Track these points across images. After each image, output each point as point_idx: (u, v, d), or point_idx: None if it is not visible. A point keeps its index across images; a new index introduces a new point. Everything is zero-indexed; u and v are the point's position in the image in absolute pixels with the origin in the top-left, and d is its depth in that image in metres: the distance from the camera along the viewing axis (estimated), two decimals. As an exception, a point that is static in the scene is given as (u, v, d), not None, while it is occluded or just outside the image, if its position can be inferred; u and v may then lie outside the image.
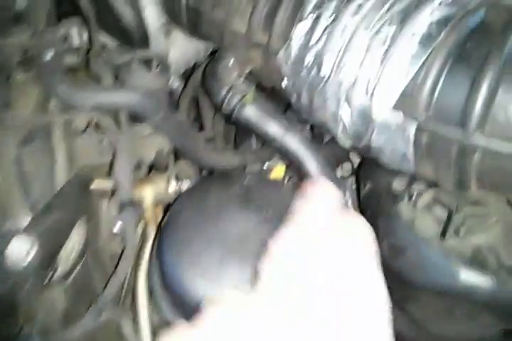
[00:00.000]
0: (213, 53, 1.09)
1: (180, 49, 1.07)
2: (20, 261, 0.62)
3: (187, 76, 1.16)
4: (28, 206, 0.69)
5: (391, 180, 0.86)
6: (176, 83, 1.12)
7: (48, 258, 0.65)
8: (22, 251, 0.62)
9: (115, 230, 0.75)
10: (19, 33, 0.78)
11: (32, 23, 0.80)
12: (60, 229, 0.67)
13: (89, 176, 0.75)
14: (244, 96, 0.83)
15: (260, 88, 0.90)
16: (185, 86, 1.14)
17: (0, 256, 0.62)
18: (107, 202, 0.77)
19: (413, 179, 0.80)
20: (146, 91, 0.74)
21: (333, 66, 0.70)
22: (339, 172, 1.15)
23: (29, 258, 0.62)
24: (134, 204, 0.74)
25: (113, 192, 0.76)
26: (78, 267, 0.70)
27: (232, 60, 0.85)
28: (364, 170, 0.95)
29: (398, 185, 0.85)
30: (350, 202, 1.18)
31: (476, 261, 0.74)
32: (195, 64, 1.14)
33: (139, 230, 0.80)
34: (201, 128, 1.20)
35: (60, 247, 0.67)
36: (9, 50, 0.78)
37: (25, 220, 0.69)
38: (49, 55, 0.73)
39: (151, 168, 0.96)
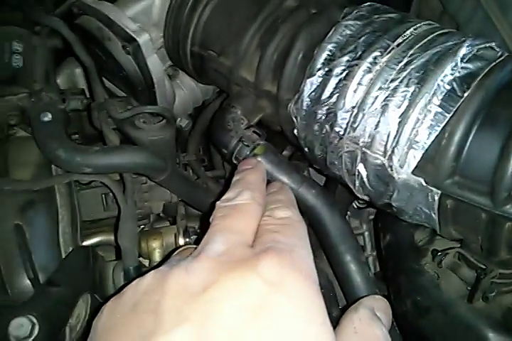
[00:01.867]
0: (223, 91, 1.06)
1: (188, 89, 1.04)
2: (22, 343, 0.59)
3: (196, 115, 1.13)
4: (31, 277, 0.66)
5: (413, 232, 0.81)
6: (184, 122, 1.09)
7: (51, 335, 0.62)
8: (24, 332, 0.59)
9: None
10: (16, 92, 0.75)
11: (29, 83, 0.77)
12: (63, 305, 0.63)
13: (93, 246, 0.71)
14: (254, 147, 0.78)
15: (268, 129, 0.86)
16: (193, 125, 1.11)
17: (2, 335, 0.59)
18: (112, 266, 0.73)
19: (436, 231, 0.75)
20: (150, 153, 0.70)
21: (347, 124, 0.66)
22: (355, 204, 1.12)
23: (31, 340, 0.59)
24: (140, 271, 0.70)
25: (118, 256, 0.72)
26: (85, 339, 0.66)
27: (241, 109, 0.80)
28: (383, 219, 0.90)
29: (420, 236, 0.81)
30: (367, 234, 1.15)
31: (507, 323, 0.70)
32: (203, 102, 1.11)
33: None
34: (212, 166, 1.17)
35: (64, 323, 0.64)
36: (6, 109, 0.74)
37: (27, 294, 0.65)
38: (47, 117, 0.69)
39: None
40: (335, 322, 0.44)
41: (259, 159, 0.77)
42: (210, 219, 0.47)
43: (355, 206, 1.12)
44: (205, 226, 0.47)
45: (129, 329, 0.38)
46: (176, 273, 0.40)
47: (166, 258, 0.52)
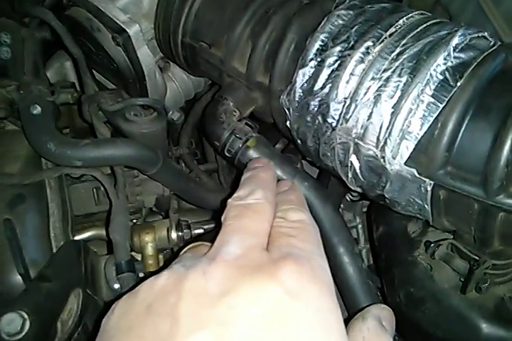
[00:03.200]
0: (214, 83, 1.05)
1: (180, 82, 1.03)
2: (13, 338, 0.58)
3: (188, 108, 1.12)
4: (21, 272, 0.65)
5: (406, 223, 0.81)
6: (176, 115, 1.08)
7: (42, 331, 0.61)
8: (14, 327, 0.59)
9: (115, 287, 0.72)
10: (4, 85, 0.74)
11: (17, 75, 0.76)
12: (54, 299, 0.63)
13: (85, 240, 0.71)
14: (247, 139, 0.78)
15: (261, 121, 0.85)
16: (186, 118, 1.10)
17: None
18: (104, 260, 0.73)
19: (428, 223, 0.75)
20: (141, 145, 0.69)
21: (340, 115, 0.65)
22: (348, 196, 1.12)
23: (22, 335, 0.58)
24: (132, 264, 0.70)
25: (110, 250, 0.72)
26: (76, 333, 0.66)
27: (233, 101, 0.80)
28: (376, 211, 0.90)
29: (413, 228, 0.81)
30: (360, 227, 1.15)
31: (500, 314, 0.70)
32: (195, 95, 1.10)
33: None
34: (204, 159, 1.16)
35: (56, 318, 0.63)
36: (-5, 102, 0.73)
37: (18, 288, 0.65)
38: (36, 109, 0.68)
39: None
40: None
41: (250, 152, 0.76)
42: (222, 218, 0.46)
43: (348, 199, 1.12)
44: (217, 225, 0.46)
45: (144, 332, 0.37)
46: (193, 276, 0.39)
47: (176, 255, 0.50)
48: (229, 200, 0.47)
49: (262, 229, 0.44)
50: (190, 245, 0.51)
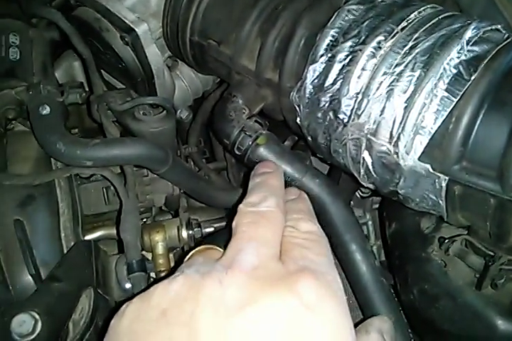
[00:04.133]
0: (223, 81, 1.04)
1: (188, 80, 1.03)
2: (25, 339, 0.58)
3: (197, 106, 1.12)
4: (32, 273, 0.65)
5: (419, 219, 0.80)
6: (184, 114, 1.08)
7: (54, 331, 0.61)
8: (26, 328, 0.58)
9: (126, 286, 0.72)
10: (13, 86, 0.74)
11: (26, 76, 0.75)
12: (65, 300, 0.62)
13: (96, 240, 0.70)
14: (257, 137, 0.77)
15: (270, 119, 0.85)
16: (194, 116, 1.10)
17: (4, 332, 0.58)
18: (115, 260, 0.72)
19: (442, 218, 0.74)
20: (150, 144, 0.69)
21: (352, 111, 0.64)
22: (359, 193, 1.11)
23: (34, 336, 0.58)
24: (143, 264, 0.69)
25: (121, 249, 0.71)
26: (88, 334, 0.66)
27: (242, 98, 0.79)
28: (388, 207, 0.89)
29: (426, 224, 0.80)
30: (370, 223, 1.14)
31: (516, 310, 0.69)
32: (204, 93, 1.10)
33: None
34: (213, 158, 1.16)
35: (67, 318, 0.63)
36: (3, 103, 0.73)
37: (29, 289, 0.64)
38: (46, 110, 0.68)
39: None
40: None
41: (260, 150, 0.75)
42: (234, 224, 0.45)
43: (358, 195, 1.11)
44: (228, 230, 0.45)
45: (159, 340, 0.37)
46: (210, 285, 0.38)
47: (182, 257, 0.50)
48: (240, 206, 0.47)
49: (276, 238, 0.44)
50: (198, 248, 0.50)
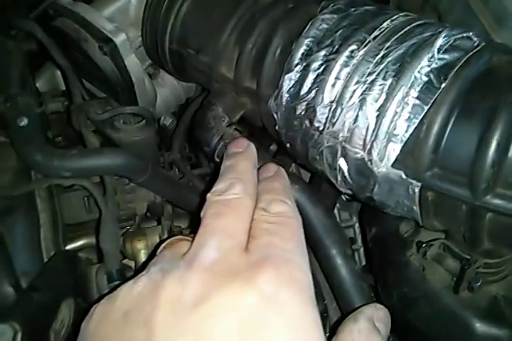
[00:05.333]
0: (205, 89, 1.05)
1: (171, 87, 1.03)
2: (4, 351, 0.58)
3: (179, 112, 1.12)
4: (12, 283, 0.65)
5: (398, 224, 0.81)
6: (168, 121, 1.08)
7: (34, 342, 0.61)
8: (6, 339, 0.58)
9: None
10: (-10, 96, 0.74)
11: (4, 87, 0.76)
12: (45, 310, 0.63)
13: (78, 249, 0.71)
14: (236, 145, 0.78)
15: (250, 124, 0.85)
16: (177, 123, 1.10)
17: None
18: (95, 269, 0.73)
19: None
20: (129, 154, 0.69)
21: (327, 119, 0.65)
22: (345, 196, 1.12)
23: (14, 347, 0.58)
24: (123, 273, 0.70)
25: (101, 258, 0.72)
26: (71, 343, 0.66)
27: (222, 106, 0.80)
28: (368, 212, 0.90)
29: (405, 228, 0.81)
30: (357, 226, 1.15)
31: (493, 312, 0.70)
32: (187, 99, 1.11)
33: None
34: (198, 164, 1.16)
35: (47, 328, 0.63)
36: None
37: (9, 300, 0.64)
38: (23, 121, 0.68)
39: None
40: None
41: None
42: (201, 214, 0.44)
43: (344, 198, 1.12)
44: (197, 221, 0.45)
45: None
46: (169, 284, 0.38)
47: (154, 251, 0.49)
48: (208, 195, 0.46)
49: (241, 227, 0.43)
50: (170, 240, 0.49)
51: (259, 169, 0.54)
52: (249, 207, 0.45)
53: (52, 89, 1.01)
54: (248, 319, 0.36)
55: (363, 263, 1.07)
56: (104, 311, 0.40)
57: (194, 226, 0.87)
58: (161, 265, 0.41)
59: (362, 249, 1.12)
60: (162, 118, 1.08)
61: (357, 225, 1.13)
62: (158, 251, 0.47)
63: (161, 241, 0.49)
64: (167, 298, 0.38)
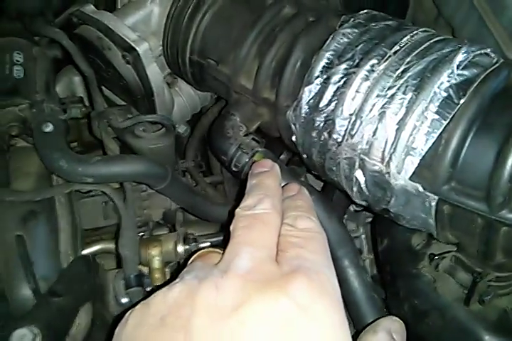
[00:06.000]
0: (220, 97, 1.07)
1: (187, 96, 1.05)
2: (24, 355, 0.59)
3: (194, 121, 1.14)
4: (32, 288, 0.66)
5: (410, 236, 0.82)
6: (182, 129, 1.10)
7: (53, 346, 0.62)
8: (26, 343, 0.59)
9: (122, 302, 0.73)
10: (17, 103, 0.75)
11: (30, 93, 0.77)
12: (64, 315, 0.64)
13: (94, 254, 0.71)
14: (253, 154, 0.79)
15: (267, 134, 0.87)
16: (192, 131, 1.12)
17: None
18: (113, 275, 0.74)
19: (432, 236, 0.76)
20: (150, 161, 0.71)
21: (346, 131, 0.66)
22: (352, 206, 1.12)
23: (33, 351, 0.59)
24: (140, 279, 0.71)
25: (119, 264, 0.73)
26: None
27: (240, 116, 0.81)
28: (380, 224, 0.91)
29: (417, 240, 0.81)
30: (363, 237, 1.15)
31: (503, 326, 0.71)
32: (201, 108, 1.12)
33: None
34: (210, 172, 1.18)
35: (66, 333, 0.64)
36: (7, 120, 0.75)
37: (29, 304, 0.65)
38: (49, 127, 0.70)
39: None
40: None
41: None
42: (231, 228, 0.46)
43: (351, 209, 1.12)
44: (226, 234, 0.47)
45: None
46: (206, 290, 0.40)
47: (185, 262, 0.51)
48: (237, 210, 0.48)
49: (271, 240, 0.45)
50: (200, 252, 0.51)
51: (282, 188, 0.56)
52: (278, 221, 0.47)
53: (70, 96, 1.03)
54: (282, 326, 0.37)
55: (370, 274, 1.07)
56: (140, 316, 0.41)
57: (208, 234, 0.89)
58: (194, 273, 0.43)
59: (368, 260, 1.12)
60: (177, 126, 1.10)
61: (363, 236, 1.13)
62: (189, 262, 0.48)
63: (192, 253, 0.50)
64: (204, 303, 0.39)
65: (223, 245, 0.45)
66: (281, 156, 1.09)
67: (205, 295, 0.39)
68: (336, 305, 0.40)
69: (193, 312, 0.38)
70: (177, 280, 0.43)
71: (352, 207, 1.12)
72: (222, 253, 0.44)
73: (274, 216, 0.47)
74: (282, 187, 0.56)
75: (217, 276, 0.41)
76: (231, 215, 0.47)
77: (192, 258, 0.50)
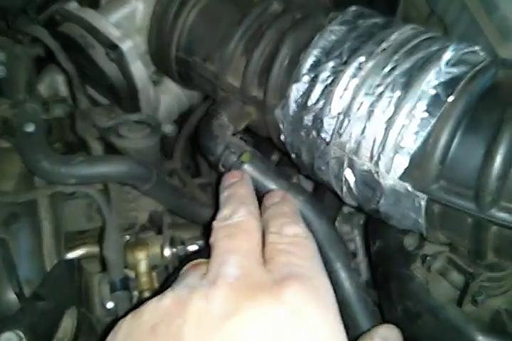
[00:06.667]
0: (208, 96, 1.05)
1: (174, 95, 1.03)
2: (9, 359, 0.58)
3: (181, 120, 1.12)
4: (16, 291, 0.64)
5: (402, 237, 0.81)
6: (170, 129, 1.08)
7: (38, 351, 0.61)
8: (11, 347, 0.58)
9: (108, 306, 0.71)
10: (-1, 102, 0.74)
11: (11, 93, 0.75)
12: (49, 318, 0.62)
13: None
14: (241, 154, 0.78)
15: (256, 134, 0.86)
16: (180, 131, 1.10)
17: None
18: (98, 278, 0.72)
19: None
20: (135, 162, 0.69)
21: (334, 130, 0.65)
22: (346, 208, 1.11)
23: (18, 354, 0.58)
24: (126, 282, 0.69)
25: (104, 267, 0.71)
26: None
27: (227, 115, 0.80)
28: (372, 225, 0.90)
29: (409, 241, 0.80)
30: (358, 239, 1.14)
31: (495, 326, 0.70)
32: (190, 107, 1.11)
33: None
34: (198, 173, 1.16)
35: (51, 336, 0.63)
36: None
37: (13, 307, 0.64)
38: (30, 127, 0.68)
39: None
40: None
41: (245, 167, 0.76)
42: (211, 241, 0.46)
43: (345, 211, 1.11)
44: (206, 246, 0.46)
45: None
46: (196, 300, 0.39)
47: (175, 272, 0.51)
48: (214, 222, 0.47)
49: (254, 246, 0.44)
50: (191, 263, 0.50)
51: (263, 196, 0.56)
52: (257, 227, 0.47)
53: (53, 95, 1.01)
54: (276, 333, 0.36)
55: (365, 277, 1.06)
56: (131, 325, 0.41)
57: (196, 237, 0.87)
58: (184, 283, 0.43)
59: (363, 263, 1.11)
60: (163, 126, 1.08)
61: (358, 238, 1.12)
62: (181, 273, 0.48)
63: (182, 265, 0.51)
64: (195, 313, 0.38)
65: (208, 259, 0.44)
66: (272, 157, 1.08)
67: (195, 304, 0.39)
68: (330, 310, 0.40)
69: (185, 321, 0.38)
70: (168, 289, 0.42)
71: (346, 209, 1.11)
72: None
73: (252, 222, 0.47)
74: (267, 193, 0.55)
75: (207, 286, 0.40)
76: (209, 229, 0.47)
77: (183, 269, 0.49)
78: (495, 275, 0.69)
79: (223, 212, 0.49)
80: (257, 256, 0.44)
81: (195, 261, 0.51)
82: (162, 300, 0.41)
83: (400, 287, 0.77)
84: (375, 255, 0.86)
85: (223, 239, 0.45)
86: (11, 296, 0.65)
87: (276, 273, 0.41)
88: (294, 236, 0.47)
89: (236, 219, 0.46)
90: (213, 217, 0.48)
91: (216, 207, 0.50)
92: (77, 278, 0.69)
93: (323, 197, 0.96)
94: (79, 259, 0.76)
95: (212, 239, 0.46)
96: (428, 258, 0.73)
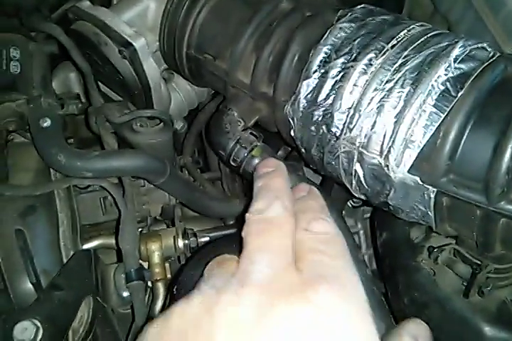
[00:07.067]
0: (217, 93, 1.07)
1: (184, 92, 1.05)
2: (26, 347, 0.60)
3: (191, 117, 1.14)
4: (33, 281, 0.66)
5: (409, 229, 0.83)
6: (180, 125, 1.10)
7: (55, 339, 0.63)
8: (28, 335, 0.60)
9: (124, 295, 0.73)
10: (14, 99, 0.75)
11: (27, 89, 0.77)
12: (66, 308, 0.64)
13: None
14: (252, 149, 0.79)
15: (264, 130, 0.87)
16: (189, 127, 1.12)
17: (6, 339, 0.60)
18: (114, 269, 0.74)
19: (431, 228, 0.76)
20: (149, 156, 0.71)
21: (344, 125, 0.67)
22: (350, 202, 1.13)
23: (35, 344, 0.60)
24: (141, 273, 0.71)
25: (119, 258, 0.73)
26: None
27: (238, 111, 0.81)
28: (379, 217, 0.91)
29: (416, 233, 0.82)
30: (362, 232, 1.16)
31: (502, 317, 0.72)
32: (198, 104, 1.12)
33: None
34: (207, 168, 1.18)
35: (67, 326, 0.64)
36: (4, 115, 0.75)
37: (30, 297, 0.66)
38: (46, 122, 0.70)
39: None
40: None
41: (255, 161, 0.78)
42: (243, 234, 0.44)
43: (349, 205, 1.13)
44: (239, 240, 0.44)
45: None
46: (225, 302, 0.38)
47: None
48: (247, 214, 0.45)
49: (287, 245, 0.42)
50: (216, 260, 0.47)
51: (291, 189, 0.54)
52: (292, 224, 0.44)
53: (67, 92, 1.02)
54: (309, 335, 0.36)
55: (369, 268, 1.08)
56: (158, 331, 0.40)
57: (208, 229, 0.89)
58: (212, 282, 0.41)
59: (366, 256, 1.13)
60: (174, 122, 1.09)
61: (362, 232, 1.14)
62: (206, 269, 0.46)
63: (208, 260, 0.49)
64: (225, 316, 0.37)
65: (238, 252, 0.43)
66: (279, 152, 1.10)
67: (225, 307, 0.38)
68: (363, 309, 0.38)
69: (214, 325, 0.37)
70: (194, 290, 0.41)
71: (350, 203, 1.12)
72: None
73: (287, 219, 0.44)
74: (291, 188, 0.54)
75: (236, 286, 0.39)
76: (241, 220, 0.45)
77: (209, 265, 0.47)
78: (502, 267, 0.70)
79: (257, 204, 0.46)
80: (289, 255, 0.42)
81: (220, 258, 0.48)
82: (189, 304, 0.39)
83: (407, 278, 0.79)
84: (381, 247, 0.88)
85: (256, 234, 0.43)
86: (29, 286, 0.67)
87: (306, 274, 0.40)
88: (323, 233, 0.44)
89: (270, 214, 0.44)
90: (246, 208, 0.46)
91: (250, 198, 0.48)
92: (94, 269, 0.70)
93: (330, 191, 0.97)
94: (95, 250, 0.77)
95: (244, 232, 0.44)
96: (435, 250, 0.74)
